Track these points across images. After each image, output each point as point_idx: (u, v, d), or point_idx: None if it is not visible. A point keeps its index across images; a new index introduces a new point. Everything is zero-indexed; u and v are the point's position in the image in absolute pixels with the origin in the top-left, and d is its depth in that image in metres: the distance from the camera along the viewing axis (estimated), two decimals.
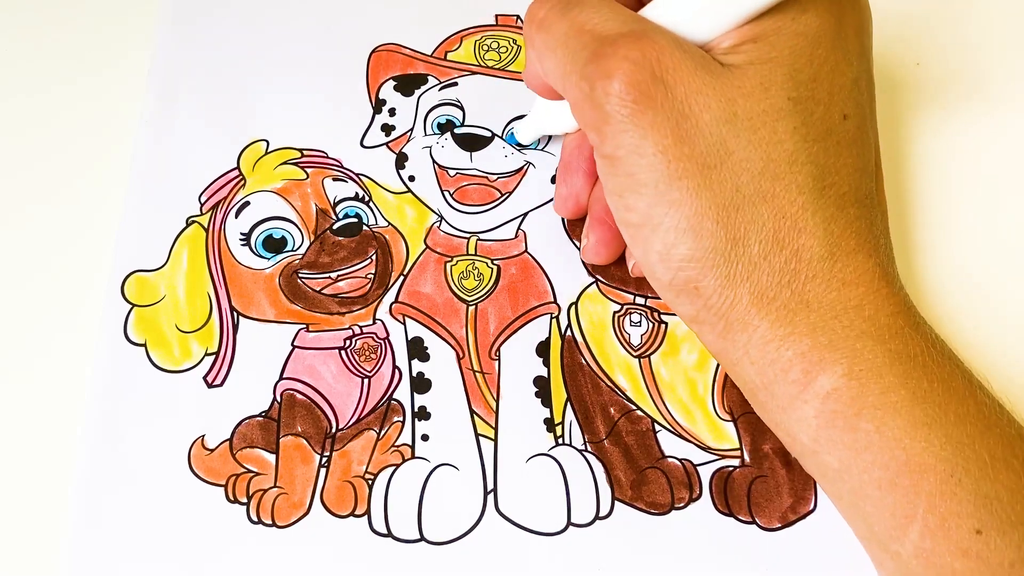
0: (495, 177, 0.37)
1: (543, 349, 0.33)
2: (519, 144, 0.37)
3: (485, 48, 0.40)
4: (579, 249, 0.35)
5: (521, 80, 0.39)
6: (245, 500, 0.30)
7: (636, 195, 0.25)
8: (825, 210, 0.25)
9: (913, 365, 0.25)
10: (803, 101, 0.25)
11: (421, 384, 0.33)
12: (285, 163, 0.37)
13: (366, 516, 0.30)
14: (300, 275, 0.34)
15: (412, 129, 0.38)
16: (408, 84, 0.39)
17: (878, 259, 0.26)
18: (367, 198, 0.36)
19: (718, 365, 0.33)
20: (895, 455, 0.24)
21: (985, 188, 0.37)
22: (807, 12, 0.25)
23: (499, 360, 0.33)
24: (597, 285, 0.35)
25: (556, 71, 0.26)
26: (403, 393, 0.32)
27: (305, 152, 0.37)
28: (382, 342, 0.33)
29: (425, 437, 0.32)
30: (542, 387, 0.33)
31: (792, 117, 0.25)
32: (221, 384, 0.32)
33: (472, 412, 0.32)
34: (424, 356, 0.33)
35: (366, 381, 0.33)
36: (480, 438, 0.32)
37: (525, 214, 0.36)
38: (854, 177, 0.26)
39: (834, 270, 0.25)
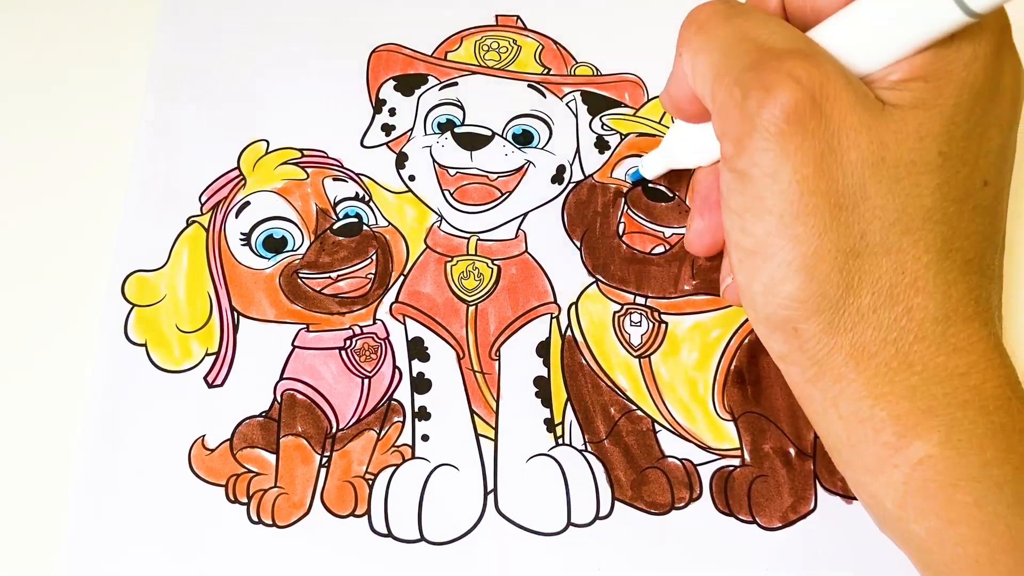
0: (495, 176, 0.37)
1: (543, 349, 0.33)
2: (642, 180, 0.35)
3: (485, 48, 0.40)
4: (579, 249, 0.35)
5: (520, 80, 0.39)
6: (245, 500, 0.30)
7: (758, 220, 0.24)
8: (948, 273, 0.24)
9: (1019, 440, 0.23)
10: (952, 158, 0.24)
11: (421, 384, 0.33)
12: (285, 163, 0.37)
13: (366, 516, 0.30)
14: (300, 275, 0.34)
15: (412, 129, 0.38)
16: (408, 84, 0.39)
17: (991, 329, 0.25)
18: (367, 198, 0.36)
19: (718, 364, 0.33)
20: (996, 531, 0.23)
21: None
22: (977, 62, 0.23)
23: (499, 360, 0.33)
24: (597, 285, 0.35)
25: (708, 73, 0.25)
26: (403, 393, 0.32)
27: (305, 152, 0.37)
28: (382, 342, 0.33)
29: (425, 437, 0.32)
30: (542, 387, 0.33)
31: (938, 173, 0.23)
32: (221, 384, 0.32)
33: (472, 412, 0.32)
34: (424, 356, 0.33)
35: (366, 381, 0.33)
36: (480, 438, 0.32)
37: (525, 214, 0.36)
38: (981, 245, 0.25)
39: (946, 334, 0.24)
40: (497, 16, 0.41)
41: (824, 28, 0.25)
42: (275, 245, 0.35)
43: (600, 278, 0.35)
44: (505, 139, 0.37)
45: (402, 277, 0.35)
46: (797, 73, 0.22)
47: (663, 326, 0.34)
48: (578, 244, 0.36)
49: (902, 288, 0.24)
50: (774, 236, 0.24)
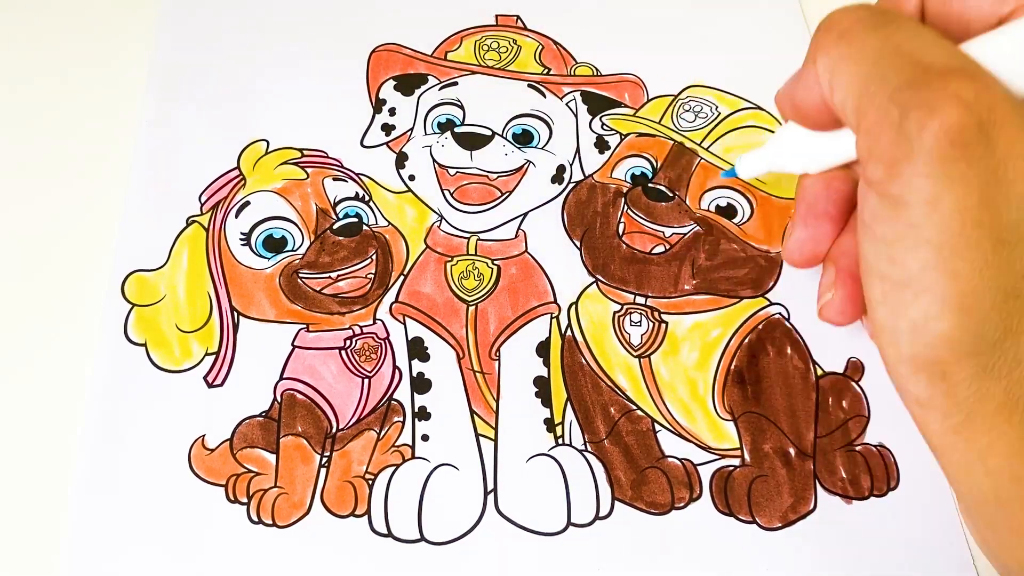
0: (495, 176, 0.37)
1: (543, 349, 0.33)
2: (736, 177, 0.33)
3: (485, 48, 0.40)
4: (579, 249, 0.35)
5: (520, 80, 0.39)
6: (245, 500, 0.30)
7: (911, 251, 0.22)
8: None
9: None
10: None
11: (421, 384, 0.33)
12: (285, 163, 0.37)
13: (366, 516, 0.30)
14: (300, 275, 0.34)
15: (412, 128, 0.38)
16: (408, 84, 0.39)
17: None
18: (367, 198, 0.36)
19: (718, 364, 0.33)
20: None
21: None
22: None
23: (499, 360, 0.33)
24: (597, 285, 0.35)
25: (852, 85, 0.23)
26: (403, 393, 0.32)
27: (305, 152, 0.37)
28: (382, 342, 0.33)
29: (425, 437, 0.32)
30: (542, 387, 0.33)
31: None
32: (221, 384, 0.32)
33: (472, 412, 0.32)
34: (424, 356, 0.33)
35: (366, 381, 0.33)
36: (480, 438, 0.32)
37: (525, 214, 0.36)
38: None
39: None
40: (497, 16, 0.41)
41: (983, 44, 0.23)
42: (275, 245, 0.35)
43: (600, 278, 0.35)
44: (505, 139, 0.37)
45: (402, 277, 0.35)
46: (964, 94, 0.20)
47: (663, 326, 0.34)
48: (578, 244, 0.36)
49: None
50: (930, 269, 0.22)
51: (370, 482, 0.31)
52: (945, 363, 0.22)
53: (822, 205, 0.29)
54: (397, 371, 0.33)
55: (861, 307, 0.29)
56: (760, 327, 0.34)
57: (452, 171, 0.37)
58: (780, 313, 0.34)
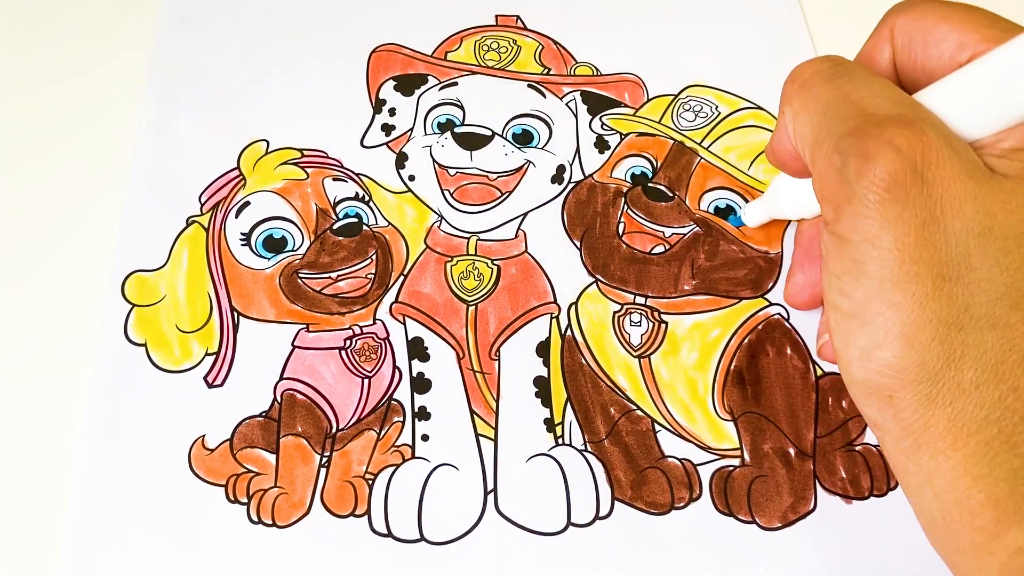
0: (495, 176, 0.37)
1: (543, 349, 0.33)
2: (743, 225, 0.35)
3: (485, 48, 0.40)
4: (579, 249, 0.35)
5: (520, 80, 0.39)
6: (245, 500, 0.30)
7: (856, 284, 0.23)
8: None
9: None
10: None
11: (421, 384, 0.33)
12: (285, 163, 0.37)
13: (366, 516, 0.30)
14: (300, 275, 0.34)
15: (412, 129, 0.38)
16: (408, 84, 0.39)
17: None
18: (367, 198, 0.36)
19: (718, 364, 0.33)
20: None
21: None
22: None
23: (499, 360, 0.33)
24: (597, 285, 0.35)
25: (809, 135, 0.25)
26: (403, 393, 0.32)
27: (305, 152, 0.37)
28: (382, 342, 0.33)
29: (425, 437, 0.32)
30: (542, 387, 0.33)
31: None
32: (221, 384, 0.32)
33: (472, 412, 0.32)
34: (424, 356, 0.33)
35: (366, 381, 0.33)
36: (480, 438, 0.32)
37: (525, 214, 0.36)
38: None
39: None
40: (497, 16, 0.41)
41: (934, 91, 0.24)
42: (275, 245, 0.35)
43: (600, 278, 0.35)
44: (505, 139, 0.37)
45: (402, 277, 0.35)
46: (897, 141, 0.22)
47: (663, 326, 0.34)
48: (578, 244, 0.36)
49: (1009, 366, 0.22)
50: (873, 301, 0.23)
51: (370, 482, 0.31)
52: (891, 389, 0.23)
53: (816, 250, 0.30)
54: (397, 371, 0.33)
55: (819, 297, 0.30)
56: (760, 327, 0.34)
57: (452, 171, 0.37)
58: (780, 313, 0.34)
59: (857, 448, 0.32)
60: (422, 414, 0.32)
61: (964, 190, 0.22)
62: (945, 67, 0.24)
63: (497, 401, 0.32)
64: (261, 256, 0.35)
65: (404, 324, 0.34)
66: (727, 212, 0.36)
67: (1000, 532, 0.22)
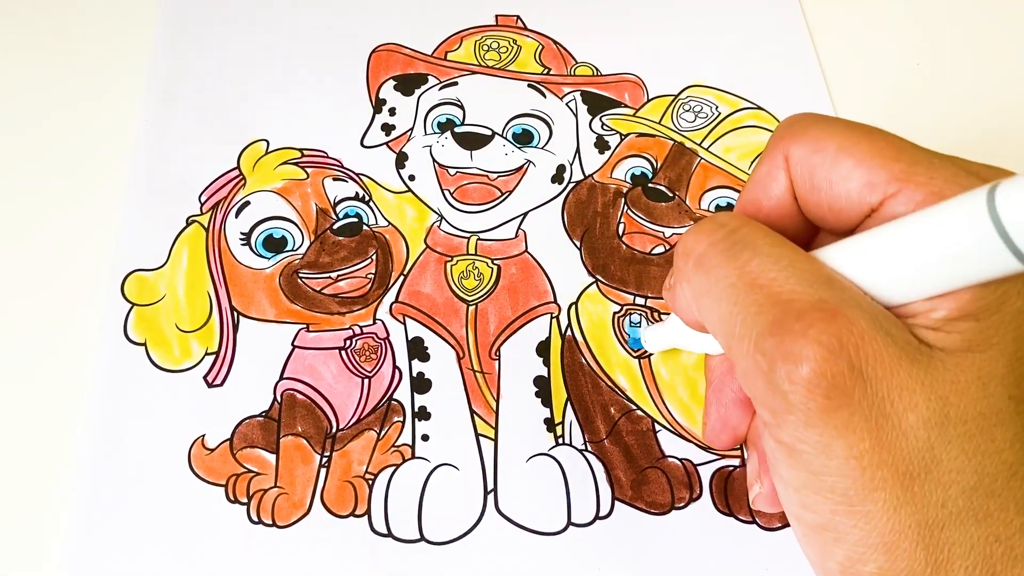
0: (495, 176, 0.37)
1: (543, 349, 0.33)
2: (640, 349, 0.33)
3: (485, 48, 0.40)
4: (579, 249, 0.35)
5: (520, 80, 0.39)
6: (245, 500, 0.30)
7: (819, 497, 0.21)
8: None
9: None
10: None
11: (421, 384, 0.33)
12: (285, 163, 0.37)
13: (366, 516, 0.30)
14: (300, 275, 0.34)
15: (412, 128, 0.38)
16: (408, 84, 0.39)
17: None
18: (367, 198, 0.36)
19: None
20: None
21: None
22: None
23: (499, 360, 0.33)
24: (597, 285, 0.35)
25: (719, 326, 0.22)
26: (403, 393, 0.32)
27: (305, 152, 0.37)
28: (382, 342, 0.33)
29: (425, 437, 0.32)
30: (542, 387, 0.33)
31: (1014, 422, 0.21)
32: (221, 384, 0.32)
33: (472, 412, 0.32)
34: (424, 356, 0.33)
35: (366, 381, 0.33)
36: (480, 438, 0.32)
37: (525, 214, 0.36)
38: None
39: None
40: (497, 16, 0.41)
41: (849, 252, 0.21)
42: (275, 245, 0.35)
43: (600, 278, 0.35)
44: (505, 139, 0.37)
45: (402, 277, 0.35)
46: (825, 339, 0.19)
47: None
48: (578, 244, 0.36)
49: (999, 558, 0.21)
50: (842, 515, 0.21)
51: (370, 482, 0.31)
52: None
53: (728, 390, 0.28)
54: (397, 371, 0.33)
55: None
56: None
57: (452, 171, 0.37)
58: None
59: None
60: (422, 414, 0.32)
61: (909, 378, 0.20)
62: (854, 207, 0.22)
63: (497, 401, 0.32)
64: (261, 256, 0.35)
65: (404, 324, 0.34)
66: (728, 211, 0.36)
67: None
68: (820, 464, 0.21)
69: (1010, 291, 0.20)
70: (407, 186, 0.37)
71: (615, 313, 0.34)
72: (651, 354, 0.33)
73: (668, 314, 0.34)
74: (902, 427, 0.20)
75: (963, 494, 0.20)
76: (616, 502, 0.31)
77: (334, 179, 0.36)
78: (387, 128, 0.38)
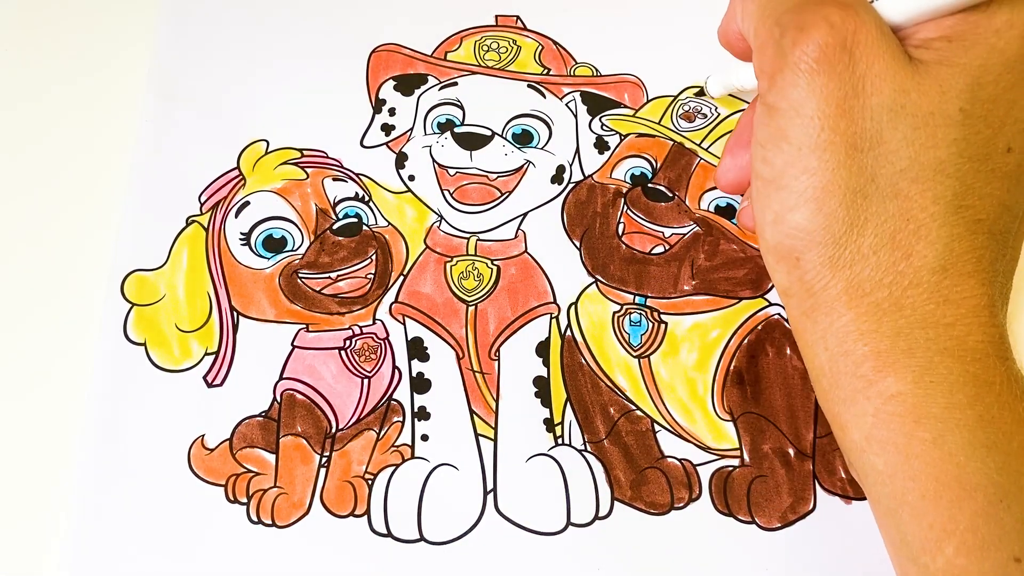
0: (495, 176, 0.37)
1: (543, 349, 0.33)
2: (707, 95, 0.36)
3: (485, 48, 0.40)
4: (578, 249, 0.35)
5: (520, 80, 0.39)
6: (245, 500, 0.30)
7: (777, 149, 0.25)
8: (953, 227, 0.25)
9: (988, 391, 0.24)
10: (973, 118, 0.24)
11: (421, 384, 0.33)
12: (285, 163, 0.37)
13: (366, 516, 0.30)
14: (300, 275, 0.34)
15: (412, 129, 0.38)
16: (408, 84, 0.39)
17: (988, 290, 0.25)
18: (367, 198, 0.36)
19: (718, 364, 0.33)
20: (946, 469, 0.24)
21: None
22: (1013, 30, 0.24)
23: (499, 360, 0.33)
24: (597, 285, 0.35)
25: (754, 13, 0.26)
26: (403, 393, 0.32)
27: (305, 152, 0.37)
28: (382, 342, 0.33)
29: (425, 437, 0.32)
30: (542, 387, 0.33)
31: (957, 128, 0.24)
32: (221, 384, 0.32)
33: (472, 412, 0.32)
34: (424, 356, 0.33)
35: (366, 381, 0.33)
36: (480, 438, 0.32)
37: (525, 214, 0.36)
38: (996, 209, 0.25)
39: (940, 285, 0.25)
40: (497, 16, 0.41)
41: None
42: (275, 245, 0.35)
43: (599, 278, 0.35)
44: (505, 139, 0.38)
45: (402, 277, 0.35)
46: (833, 18, 0.24)
47: (663, 326, 0.34)
48: (578, 244, 0.36)
49: (905, 235, 0.24)
50: (790, 166, 0.25)
51: (370, 482, 0.31)
52: (799, 251, 0.25)
53: (747, 135, 0.31)
54: (397, 371, 0.33)
55: (744, 181, 0.32)
56: (759, 328, 0.34)
57: (452, 171, 0.37)
58: (779, 314, 0.34)
59: None
60: (422, 414, 0.32)
61: (885, 69, 0.24)
62: None
63: (497, 401, 0.32)
64: (261, 256, 0.35)
65: (404, 324, 0.34)
66: (728, 210, 0.36)
67: (877, 380, 0.25)
68: (789, 120, 0.25)
69: (986, 27, 0.24)
70: (407, 186, 0.37)
71: (615, 313, 0.34)
72: (650, 356, 0.33)
73: (668, 313, 0.34)
74: (865, 105, 0.24)
75: (893, 174, 0.24)
76: (615, 502, 0.31)
77: (334, 179, 0.36)
78: (387, 128, 0.38)
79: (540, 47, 0.40)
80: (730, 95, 0.35)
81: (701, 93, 0.36)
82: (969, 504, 0.23)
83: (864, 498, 0.31)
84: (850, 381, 0.25)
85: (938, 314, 0.25)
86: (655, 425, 0.32)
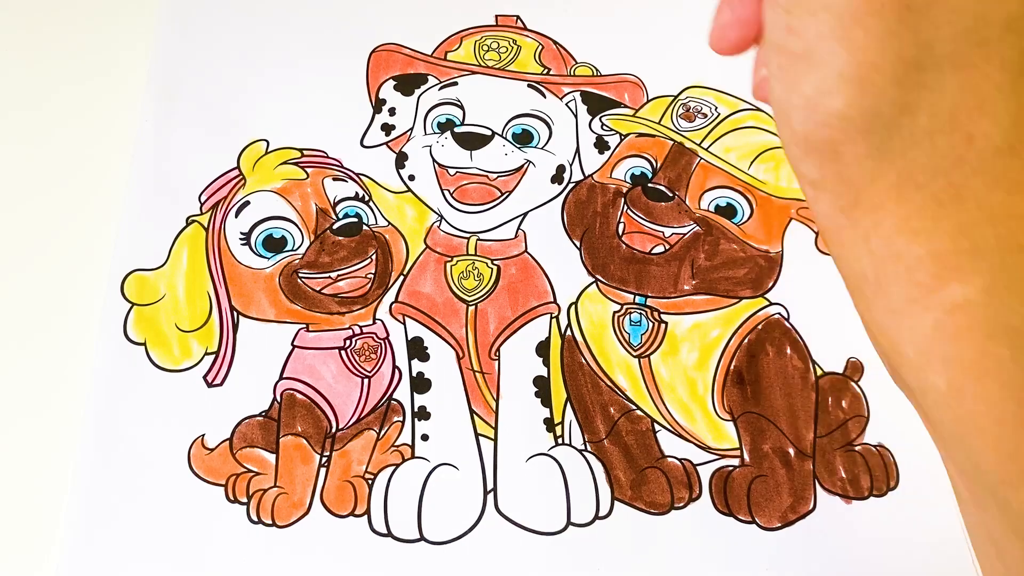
0: (495, 176, 0.37)
1: (543, 349, 0.33)
2: None
3: (485, 48, 0.40)
4: (578, 249, 0.35)
5: (520, 80, 0.39)
6: (245, 500, 0.30)
7: (810, 17, 0.20)
8: (1022, 98, 0.20)
9: None
10: None
11: (421, 384, 0.33)
12: (285, 163, 0.37)
13: (366, 516, 0.30)
14: (300, 275, 0.34)
15: (412, 128, 0.38)
16: (408, 84, 0.39)
17: None
18: (367, 198, 0.36)
19: (718, 364, 0.33)
20: None
21: None
22: None
23: (499, 360, 0.33)
24: (597, 285, 0.35)
25: None
26: (403, 393, 0.32)
27: (305, 152, 0.37)
28: (382, 342, 0.33)
29: (425, 437, 0.32)
30: (542, 387, 0.33)
31: None
32: (221, 384, 0.32)
33: (472, 412, 0.32)
34: (424, 356, 0.33)
35: (366, 381, 0.33)
36: (480, 438, 0.32)
37: (525, 214, 0.36)
38: None
39: (1008, 169, 0.20)
40: (497, 16, 0.41)
41: None
42: (275, 245, 0.35)
43: (600, 278, 0.35)
44: (505, 139, 0.38)
45: (402, 277, 0.35)
46: None
47: (663, 326, 0.34)
48: (578, 244, 0.36)
49: (966, 111, 0.20)
50: (827, 39, 0.20)
51: (370, 482, 0.31)
52: (838, 142, 0.21)
53: None
54: (397, 371, 0.33)
55: (748, 37, 0.26)
56: (760, 327, 0.34)
57: (452, 171, 0.37)
58: (780, 313, 0.34)
59: (857, 448, 0.32)
60: (422, 414, 0.32)
61: None
62: None
63: (497, 401, 0.32)
64: (261, 256, 0.35)
65: (404, 324, 0.34)
66: (728, 210, 0.36)
67: (938, 287, 0.21)
68: None
69: None
70: (407, 186, 0.37)
71: (615, 312, 0.34)
72: (650, 355, 0.33)
73: (668, 313, 0.34)
74: None
75: (953, 38, 0.20)
76: (616, 502, 0.31)
77: (334, 179, 0.36)
78: (387, 128, 0.38)
79: (540, 47, 0.40)
80: None
81: None
82: None
83: (864, 498, 0.31)
84: (902, 289, 0.21)
85: (1008, 204, 0.21)
86: (655, 425, 0.32)
